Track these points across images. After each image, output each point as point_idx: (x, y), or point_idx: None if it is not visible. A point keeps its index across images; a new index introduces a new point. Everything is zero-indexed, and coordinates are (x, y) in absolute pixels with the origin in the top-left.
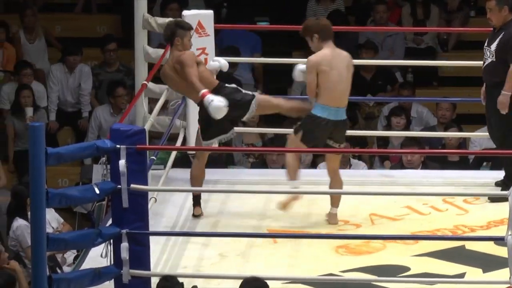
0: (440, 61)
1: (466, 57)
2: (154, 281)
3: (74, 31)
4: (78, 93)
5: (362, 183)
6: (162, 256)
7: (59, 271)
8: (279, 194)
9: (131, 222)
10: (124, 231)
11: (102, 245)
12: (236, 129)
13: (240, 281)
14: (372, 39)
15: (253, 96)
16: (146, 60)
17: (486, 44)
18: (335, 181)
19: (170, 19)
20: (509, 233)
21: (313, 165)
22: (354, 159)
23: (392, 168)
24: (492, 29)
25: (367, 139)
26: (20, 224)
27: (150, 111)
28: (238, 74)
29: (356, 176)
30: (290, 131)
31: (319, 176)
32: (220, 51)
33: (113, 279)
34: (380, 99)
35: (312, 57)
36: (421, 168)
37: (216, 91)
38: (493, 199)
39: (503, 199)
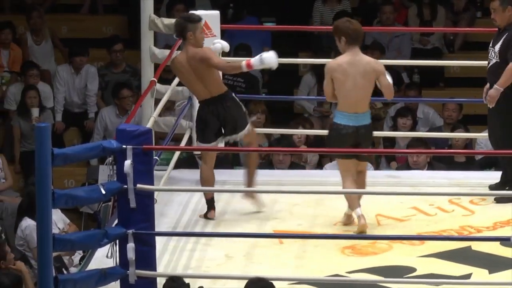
0: (446, 62)
1: (473, 58)
2: (160, 281)
3: (80, 32)
4: (84, 93)
5: (368, 183)
6: (168, 257)
7: (65, 271)
8: (285, 194)
9: (137, 222)
10: (130, 231)
11: (108, 246)
12: None
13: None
14: (378, 39)
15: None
16: (152, 61)
17: (490, 45)
18: (359, 183)
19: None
20: None
21: (319, 165)
22: None
23: (398, 168)
24: (496, 29)
25: (374, 140)
26: (29, 224)
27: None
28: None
29: None
30: (294, 131)
31: (325, 176)
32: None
33: (119, 280)
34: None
35: (330, 62)
36: (427, 169)
37: (224, 97)
38: (499, 199)
39: (509, 199)
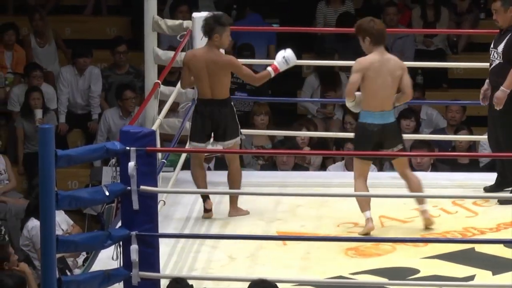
0: (450, 63)
1: (476, 59)
2: (164, 283)
3: (84, 33)
4: (88, 95)
5: (372, 185)
6: (172, 258)
7: (68, 273)
8: (289, 196)
9: (140, 224)
10: (133, 233)
11: (112, 247)
12: (246, 131)
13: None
14: None
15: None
16: (156, 62)
17: (492, 46)
18: (411, 182)
19: (180, 21)
20: None
21: (323, 167)
22: None
23: None
24: (499, 30)
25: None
26: (35, 224)
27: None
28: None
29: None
30: (298, 133)
31: (329, 178)
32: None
33: (122, 281)
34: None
35: (362, 60)
36: (431, 171)
37: (224, 102)
38: (503, 201)
39: None
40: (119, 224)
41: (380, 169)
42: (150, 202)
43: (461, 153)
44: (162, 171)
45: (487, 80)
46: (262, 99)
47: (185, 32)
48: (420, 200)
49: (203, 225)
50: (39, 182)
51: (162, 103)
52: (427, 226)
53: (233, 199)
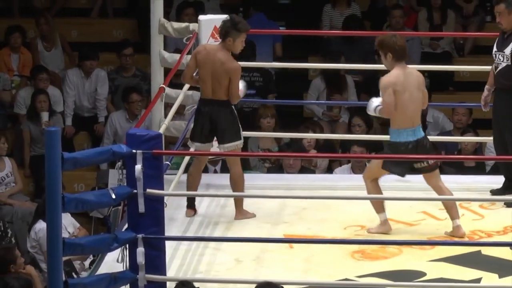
0: (456, 66)
1: (482, 62)
2: (170, 286)
3: (90, 35)
4: (94, 98)
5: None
6: (178, 261)
7: (75, 276)
8: (295, 199)
9: (147, 227)
10: (140, 236)
11: (118, 250)
12: (252, 134)
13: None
14: None
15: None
16: (162, 65)
17: (496, 49)
18: (443, 195)
19: (186, 23)
20: None
21: (329, 170)
22: None
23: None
24: (499, 33)
25: (383, 144)
26: (43, 227)
27: (166, 116)
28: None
29: None
30: (305, 135)
31: (335, 181)
32: None
33: (128, 284)
34: None
35: (386, 78)
36: None
37: (224, 104)
38: (509, 204)
39: None
40: (126, 227)
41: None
42: (156, 205)
43: (468, 156)
44: (167, 174)
45: (486, 86)
46: (268, 101)
47: (191, 35)
48: (453, 215)
49: (208, 227)
50: (45, 185)
51: (168, 106)
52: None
53: (238, 203)
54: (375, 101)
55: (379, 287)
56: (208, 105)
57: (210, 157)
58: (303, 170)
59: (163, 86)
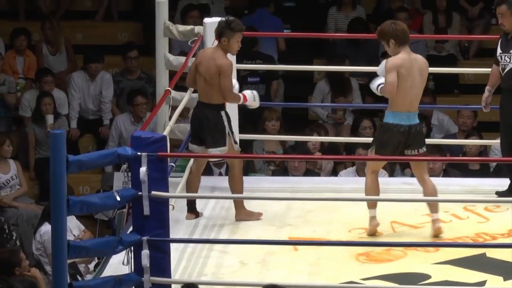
0: (461, 69)
1: (487, 65)
2: None
3: (95, 38)
4: (99, 100)
5: (383, 190)
6: (183, 264)
7: (79, 278)
8: (300, 201)
9: (152, 229)
10: (144, 238)
11: (123, 253)
12: (257, 136)
13: None
14: None
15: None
16: (167, 68)
17: (500, 51)
18: (427, 188)
19: (192, 26)
20: None
21: (334, 172)
22: None
23: (413, 175)
24: (500, 35)
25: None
26: (48, 229)
27: (171, 119)
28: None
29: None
30: (309, 138)
31: (340, 183)
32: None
33: (133, 287)
34: None
35: (393, 59)
36: (442, 176)
37: (214, 108)
38: None
39: None
40: (130, 229)
41: (391, 174)
42: (161, 208)
43: (472, 158)
44: (172, 177)
45: (487, 87)
46: (273, 104)
47: (196, 38)
48: (433, 208)
49: (213, 230)
50: (50, 187)
51: (173, 109)
52: (436, 235)
53: (238, 204)
54: (379, 80)
55: None
56: (198, 107)
57: (214, 159)
58: (308, 172)
59: (169, 88)
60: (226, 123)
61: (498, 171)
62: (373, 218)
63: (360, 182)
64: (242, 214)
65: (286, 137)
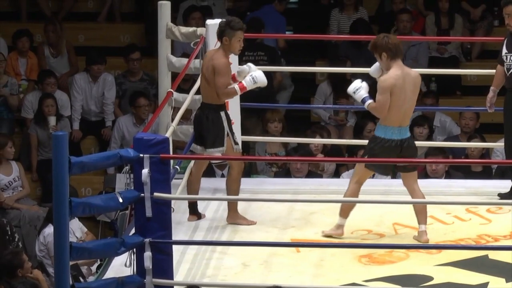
0: (463, 70)
1: (490, 66)
2: None
3: (97, 40)
4: (102, 102)
5: (385, 192)
6: (185, 265)
7: (82, 280)
8: (302, 203)
9: (154, 231)
10: (147, 240)
11: (125, 254)
12: (260, 138)
13: None
14: None
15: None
16: (169, 69)
17: (506, 51)
18: (417, 198)
19: (194, 28)
20: None
21: (336, 174)
22: None
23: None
24: (504, 36)
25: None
26: (52, 231)
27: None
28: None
29: (379, 185)
30: (311, 140)
31: (342, 185)
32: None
33: None
34: None
35: (386, 78)
36: (445, 178)
37: (214, 108)
38: None
39: None
40: (133, 231)
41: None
42: (163, 209)
43: (475, 160)
44: (176, 178)
45: (492, 87)
46: (274, 106)
47: (199, 39)
48: (422, 219)
49: (215, 232)
50: (52, 189)
51: (175, 110)
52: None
53: (231, 206)
54: (362, 91)
55: None
56: (201, 107)
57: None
58: (311, 174)
59: (171, 90)
60: (225, 124)
61: (502, 173)
62: (340, 226)
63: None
64: (234, 218)
65: (288, 139)
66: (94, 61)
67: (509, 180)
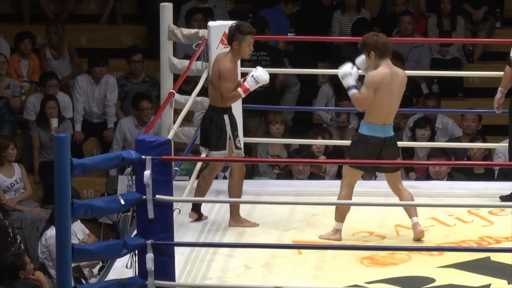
0: (465, 72)
1: (492, 68)
2: None
3: (99, 41)
4: (104, 104)
5: (387, 194)
6: (187, 267)
7: (84, 282)
8: (304, 205)
9: (156, 233)
10: (149, 242)
11: (127, 256)
12: (261, 140)
13: None
14: (397, 50)
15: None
16: (171, 71)
17: None
18: (403, 198)
19: (196, 30)
20: None
21: (338, 176)
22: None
23: (417, 179)
24: None
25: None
26: (54, 233)
27: (175, 122)
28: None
29: (381, 187)
30: (314, 142)
31: None
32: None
33: None
34: (406, 110)
35: (375, 74)
36: (447, 180)
37: (219, 111)
38: None
39: None
40: (135, 232)
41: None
42: (165, 211)
43: (478, 162)
44: (177, 180)
45: (500, 88)
46: (276, 107)
47: (201, 41)
48: (412, 212)
49: (218, 234)
50: (54, 191)
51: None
52: (418, 239)
53: (233, 209)
54: (350, 78)
55: None
56: (207, 109)
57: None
58: (313, 176)
59: (173, 91)
60: (228, 127)
61: (505, 175)
62: (338, 231)
63: (364, 186)
64: (236, 221)
65: (290, 141)
66: (96, 63)
67: (511, 182)
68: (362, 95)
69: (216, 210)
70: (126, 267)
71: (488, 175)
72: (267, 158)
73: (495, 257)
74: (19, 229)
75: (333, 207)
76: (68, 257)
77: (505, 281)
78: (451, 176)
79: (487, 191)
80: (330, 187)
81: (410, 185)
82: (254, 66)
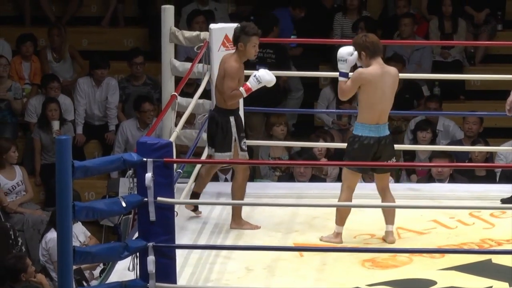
0: (467, 75)
1: (493, 71)
2: None
3: (101, 44)
4: (105, 106)
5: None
6: (188, 270)
7: (85, 284)
8: (306, 207)
9: (157, 235)
10: (150, 244)
11: (129, 258)
12: (263, 142)
13: None
14: (399, 52)
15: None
16: (173, 74)
17: None
18: (387, 200)
19: (197, 32)
20: None
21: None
22: None
23: (418, 181)
24: None
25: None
26: (54, 236)
27: (177, 125)
28: None
29: None
30: (315, 144)
31: None
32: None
33: None
34: (407, 113)
35: (361, 72)
36: (448, 182)
37: (223, 113)
38: None
39: None
40: (136, 235)
41: (397, 180)
42: (167, 214)
43: (479, 164)
44: (179, 182)
45: None
46: (278, 110)
47: (202, 44)
48: (390, 220)
49: (219, 236)
50: (56, 193)
51: (179, 115)
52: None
53: (235, 212)
54: (348, 61)
55: None
56: (213, 110)
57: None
58: (314, 178)
59: (175, 94)
60: (233, 129)
61: (507, 177)
62: (338, 234)
63: (366, 188)
64: (238, 224)
65: (292, 143)
66: (98, 66)
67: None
68: (346, 87)
69: (217, 212)
70: (128, 269)
71: (490, 178)
72: (269, 160)
73: (497, 259)
74: (20, 231)
75: (335, 209)
76: (69, 260)
77: (507, 284)
78: (453, 178)
79: (488, 194)
80: (331, 190)
81: (412, 187)
82: (259, 63)
